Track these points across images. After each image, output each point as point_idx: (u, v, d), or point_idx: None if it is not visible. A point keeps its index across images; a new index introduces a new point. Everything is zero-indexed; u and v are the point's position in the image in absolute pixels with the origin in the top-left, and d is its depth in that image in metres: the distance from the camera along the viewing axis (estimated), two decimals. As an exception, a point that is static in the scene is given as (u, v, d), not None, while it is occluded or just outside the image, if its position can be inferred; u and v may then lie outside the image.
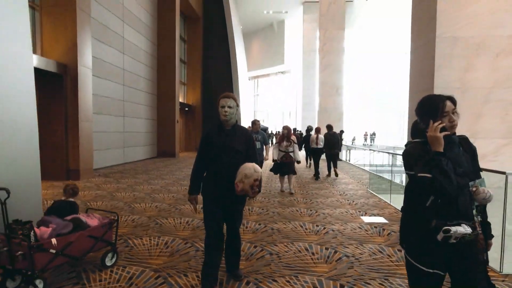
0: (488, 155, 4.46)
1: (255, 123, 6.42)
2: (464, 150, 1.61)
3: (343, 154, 15.60)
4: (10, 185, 2.67)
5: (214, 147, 2.52)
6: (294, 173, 6.73)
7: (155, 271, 2.89)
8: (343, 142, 15.81)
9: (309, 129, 11.69)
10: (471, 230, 1.47)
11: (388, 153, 9.29)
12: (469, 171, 1.56)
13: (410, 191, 1.66)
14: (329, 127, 9.61)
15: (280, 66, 38.29)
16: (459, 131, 1.59)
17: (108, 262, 2.84)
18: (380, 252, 3.45)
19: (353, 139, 27.25)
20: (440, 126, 1.47)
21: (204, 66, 20.32)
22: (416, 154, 1.55)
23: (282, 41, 35.76)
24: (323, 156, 9.40)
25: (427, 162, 1.47)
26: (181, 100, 17.93)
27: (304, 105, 27.65)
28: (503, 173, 2.98)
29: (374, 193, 6.86)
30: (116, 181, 7.96)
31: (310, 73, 27.10)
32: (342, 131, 15.36)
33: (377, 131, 34.19)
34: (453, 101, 1.55)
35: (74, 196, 3.13)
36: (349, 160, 15.60)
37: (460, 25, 4.39)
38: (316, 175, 8.96)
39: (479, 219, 1.59)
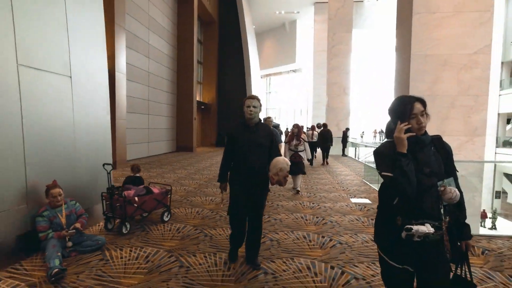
0: (453, 150, 5.56)
1: (267, 119, 6.21)
2: (437, 149, 1.63)
3: (348, 151, 16.57)
4: (96, 165, 4.02)
5: (241, 143, 2.84)
6: (303, 173, 6.54)
7: (168, 251, 3.28)
8: (349, 139, 16.79)
9: (317, 127, 13.00)
10: (433, 230, 1.49)
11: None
12: (438, 171, 1.57)
13: (381, 189, 1.72)
14: (324, 125, 12.33)
15: (291, 65, 39.21)
16: (430, 131, 1.67)
17: (166, 218, 4.17)
18: (373, 240, 4.09)
19: (362, 134, 28.19)
20: (405, 127, 1.52)
21: (219, 66, 21.65)
22: (385, 153, 1.61)
23: (294, 40, 36.64)
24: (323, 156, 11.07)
25: (391, 162, 1.53)
26: (197, 98, 19.28)
27: (314, 104, 28.47)
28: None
29: (367, 182, 8.00)
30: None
31: (321, 72, 27.82)
32: (347, 129, 16.40)
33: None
34: (423, 103, 1.58)
35: (138, 172, 4.45)
36: (358, 158, 16.14)
37: (430, 45, 5.48)
38: (311, 161, 11.28)
39: (447, 219, 1.58)
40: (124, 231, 3.71)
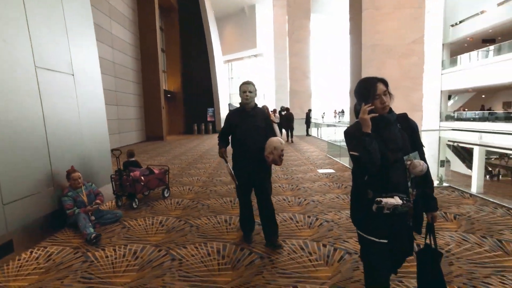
0: (397, 124, 6.74)
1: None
2: (402, 127, 1.70)
3: (312, 131, 17.85)
4: (99, 152, 4.59)
5: (240, 128, 2.95)
6: None
7: (155, 246, 3.21)
8: (312, 120, 18.03)
9: (281, 110, 14.00)
10: (401, 202, 1.57)
11: (334, 125, 11.61)
12: (404, 146, 1.65)
13: (353, 168, 1.78)
14: (287, 109, 14.19)
15: (252, 50, 39.69)
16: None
17: (166, 194, 4.88)
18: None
19: (323, 115, 29.80)
20: (368, 109, 1.58)
21: (182, 54, 21.73)
22: (352, 133, 1.67)
23: (254, 25, 37.02)
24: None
25: (357, 141, 1.60)
26: (164, 87, 19.40)
27: (277, 87, 29.14)
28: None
29: (330, 156, 9.13)
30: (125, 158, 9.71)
31: (282, 56, 28.35)
32: (310, 110, 17.58)
33: (346, 108, 37.03)
34: (385, 83, 1.65)
35: (133, 157, 5.06)
36: (321, 136, 17.63)
37: (377, 37, 6.51)
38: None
39: (414, 191, 1.67)
40: (134, 205, 4.38)
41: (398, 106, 6.07)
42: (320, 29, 32.62)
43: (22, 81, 3.37)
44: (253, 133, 2.94)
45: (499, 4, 18.14)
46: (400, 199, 1.58)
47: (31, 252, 3.18)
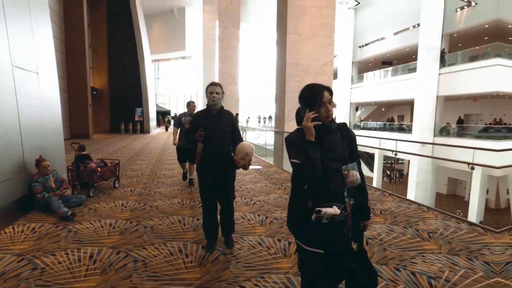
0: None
1: (189, 104, 5.75)
2: (342, 136, 1.71)
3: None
4: (57, 144, 5.04)
5: (205, 130, 2.84)
6: None
7: (113, 248, 3.08)
8: (239, 124, 19.42)
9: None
10: (339, 211, 1.60)
11: (262, 130, 13.18)
12: (342, 156, 1.67)
13: (293, 175, 1.79)
14: None
15: (181, 52, 39.65)
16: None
17: (116, 185, 5.52)
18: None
19: (248, 120, 31.66)
20: (312, 116, 1.57)
21: (110, 51, 21.05)
22: (294, 141, 1.66)
23: (183, 28, 37.04)
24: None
25: (299, 149, 1.59)
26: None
27: (205, 90, 30.02)
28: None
29: (257, 156, 10.49)
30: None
31: (211, 60, 29.08)
32: (237, 114, 18.93)
33: (273, 114, 39.49)
34: (330, 92, 1.65)
35: (84, 151, 5.54)
36: (246, 139, 19.27)
37: (298, 57, 8.06)
38: None
39: (351, 201, 1.70)
40: (90, 194, 4.91)
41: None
42: (247, 36, 34.45)
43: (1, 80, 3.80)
44: (219, 137, 2.91)
45: (395, 34, 22.08)
46: (338, 208, 1.61)
47: (13, 228, 3.61)
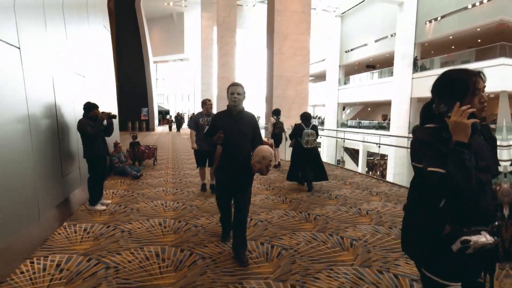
0: (294, 125, 10.76)
1: (205, 103, 5.21)
2: (485, 139, 1.32)
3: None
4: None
5: (225, 131, 2.77)
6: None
7: (83, 255, 2.88)
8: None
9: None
10: (492, 240, 1.20)
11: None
12: (492, 165, 1.29)
13: (417, 188, 1.38)
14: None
15: (180, 55, 41.18)
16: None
17: (155, 163, 7.88)
18: (286, 215, 4.17)
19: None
20: (470, 111, 1.16)
21: (117, 54, 22.95)
22: (430, 142, 1.25)
23: (182, 32, 38.64)
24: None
25: (442, 154, 1.19)
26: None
27: (202, 92, 31.33)
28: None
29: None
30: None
31: (208, 63, 30.99)
32: (258, 117, 21.19)
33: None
34: (483, 79, 1.25)
35: (136, 139, 7.85)
36: None
37: (282, 70, 10.42)
38: None
39: (498, 223, 1.29)
40: (141, 167, 7.18)
41: (295, 114, 10.53)
42: (242, 41, 36.49)
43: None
44: (238, 140, 2.83)
45: (375, 41, 24.43)
46: (489, 235, 1.20)
47: (65, 228, 3.55)
